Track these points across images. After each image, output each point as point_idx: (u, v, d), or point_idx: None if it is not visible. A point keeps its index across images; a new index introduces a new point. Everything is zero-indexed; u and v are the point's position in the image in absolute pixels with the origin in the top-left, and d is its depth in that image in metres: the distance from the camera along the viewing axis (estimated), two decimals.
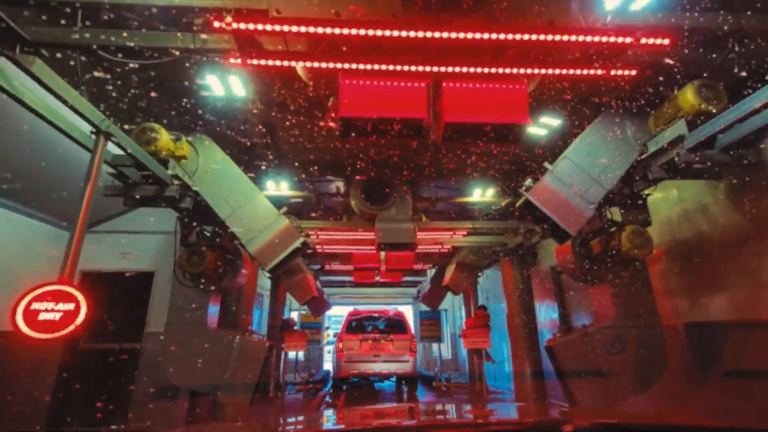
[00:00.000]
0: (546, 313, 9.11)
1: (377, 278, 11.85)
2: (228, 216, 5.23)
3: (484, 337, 8.70)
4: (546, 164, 4.47)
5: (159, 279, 7.43)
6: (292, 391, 10.95)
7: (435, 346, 18.00)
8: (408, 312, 20.38)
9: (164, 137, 4.79)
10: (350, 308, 19.02)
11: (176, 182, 4.77)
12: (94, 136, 3.45)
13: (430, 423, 1.91)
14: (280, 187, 7.89)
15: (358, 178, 6.87)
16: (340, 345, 10.21)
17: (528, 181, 4.69)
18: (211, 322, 6.11)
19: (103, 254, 7.66)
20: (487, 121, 2.94)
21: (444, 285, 9.16)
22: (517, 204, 4.72)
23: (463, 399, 10.44)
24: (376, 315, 11.22)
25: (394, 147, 7.08)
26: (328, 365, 19.65)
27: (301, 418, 3.66)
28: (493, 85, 2.93)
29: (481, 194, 8.44)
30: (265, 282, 12.48)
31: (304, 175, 7.99)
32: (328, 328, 19.51)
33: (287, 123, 6.10)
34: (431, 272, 14.78)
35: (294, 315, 16.77)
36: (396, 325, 10.65)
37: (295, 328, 10.14)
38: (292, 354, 14.48)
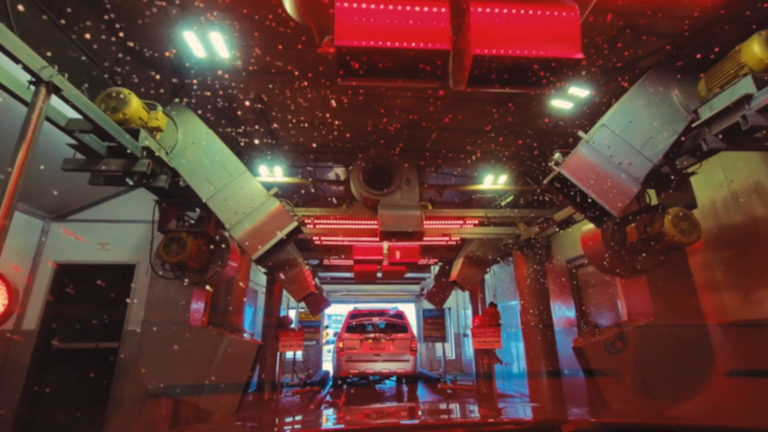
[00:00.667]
0: (560, 311, 8.45)
1: (379, 274, 11.19)
2: (210, 197, 4.56)
3: (495, 336, 8.04)
4: (580, 133, 3.80)
5: (140, 272, 6.77)
6: (289, 393, 10.29)
7: (439, 345, 17.37)
8: (410, 310, 19.72)
9: (135, 104, 4.12)
10: (350, 306, 18.44)
11: (147, 157, 4.10)
12: (33, 87, 2.79)
13: (430, 423, 1.86)
14: (274, 172, 7.23)
15: (359, 161, 6.20)
16: (341, 344, 10.18)
17: (557, 155, 4.02)
18: (194, 319, 5.46)
19: (80, 245, 7.01)
20: (527, 55, 2.23)
21: (451, 281, 8.51)
22: (545, 181, 4.05)
23: (471, 402, 9.91)
24: (377, 314, 11.05)
25: (400, 125, 6.43)
26: (327, 365, 19.02)
27: (299, 417, 3.57)
28: (534, 10, 2.22)
29: (493, 181, 7.77)
30: (260, 278, 11.84)
31: (300, 159, 7.34)
32: (327, 327, 18.87)
33: (279, 94, 5.45)
34: (435, 269, 14.14)
35: (291, 313, 16.13)
36: (396, 324, 10.56)
37: (292, 326, 9.48)
38: (290, 354, 13.87)
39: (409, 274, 13.68)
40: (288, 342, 8.93)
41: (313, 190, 7.39)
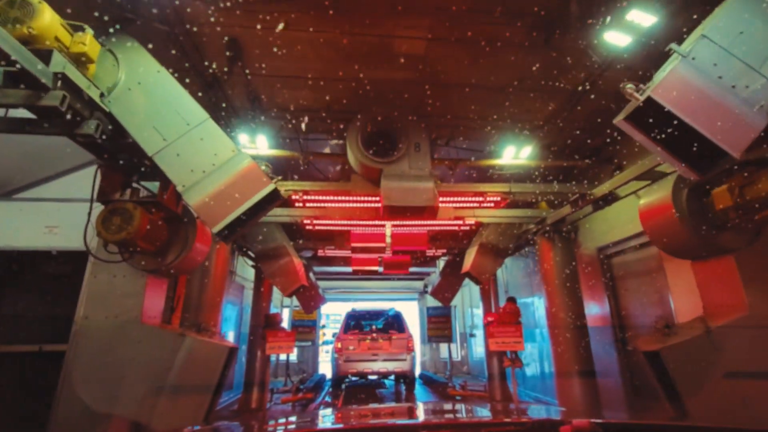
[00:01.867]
0: (589, 307, 7.31)
1: (380, 269, 10.03)
2: (158, 151, 3.41)
3: (517, 336, 6.91)
4: (673, 46, 2.67)
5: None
6: (279, 401, 9.14)
7: (444, 346, 16.24)
8: (413, 309, 18.59)
9: (49, 18, 2.98)
10: (348, 304, 17.28)
11: (64, 88, 2.95)
12: None
13: (428, 423, 1.86)
14: (256, 142, 6.08)
15: (358, 121, 5.06)
16: (339, 345, 10.05)
17: (629, 85, 2.89)
18: (149, 316, 4.32)
19: (23, 228, 5.87)
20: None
21: (464, 273, 7.38)
22: (620, 117, 2.92)
23: (473, 404, 8.81)
24: (374, 314, 11.13)
25: (406, 82, 5.30)
26: (326, 367, 17.86)
27: (296, 418, 3.36)
28: None
29: (515, 155, 6.64)
30: (248, 272, 10.69)
31: (289, 131, 6.19)
32: (324, 326, 17.72)
33: (259, 40, 4.32)
34: (440, 265, 13.04)
35: (285, 312, 14.97)
36: (394, 323, 10.65)
37: (282, 325, 8.34)
38: (283, 356, 12.72)
39: (412, 269, 12.56)
40: (276, 343, 7.78)
41: (304, 166, 6.24)
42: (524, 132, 6.35)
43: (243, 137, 6.09)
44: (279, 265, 7.26)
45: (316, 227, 6.95)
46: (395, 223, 6.73)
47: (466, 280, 11.43)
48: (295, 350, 16.07)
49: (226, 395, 9.78)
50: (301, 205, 5.92)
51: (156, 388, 3.99)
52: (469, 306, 15.67)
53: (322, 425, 1.98)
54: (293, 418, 2.94)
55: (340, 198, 5.58)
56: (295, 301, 11.33)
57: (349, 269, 11.66)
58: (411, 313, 19.59)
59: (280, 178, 3.79)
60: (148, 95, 3.54)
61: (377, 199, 5.56)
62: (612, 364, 6.75)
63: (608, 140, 6.75)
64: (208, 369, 4.18)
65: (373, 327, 10.55)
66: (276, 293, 14.18)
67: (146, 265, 4.30)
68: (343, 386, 10.59)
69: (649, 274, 6.10)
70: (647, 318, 6.21)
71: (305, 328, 13.18)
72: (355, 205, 5.88)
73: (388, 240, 7.24)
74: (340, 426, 2.02)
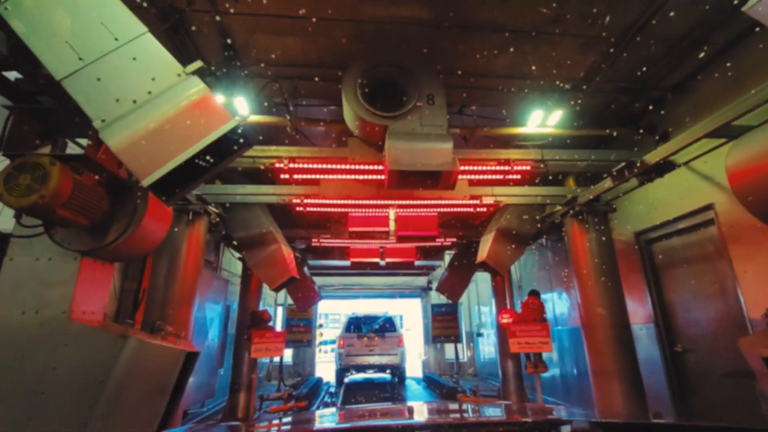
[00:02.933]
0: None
1: (382, 262, 9.00)
2: (70, 74, 2.38)
3: (543, 335, 5.89)
4: None
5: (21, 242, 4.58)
6: (267, 411, 8.12)
7: (449, 347, 15.24)
8: (416, 307, 17.57)
9: None
10: (346, 303, 16.32)
11: None
12: None
13: (426, 423, 1.85)
14: (234, 103, 5.07)
15: (356, 66, 4.04)
16: (342, 342, 11.84)
17: None
18: (84, 311, 3.29)
19: None
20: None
21: (479, 263, 6.36)
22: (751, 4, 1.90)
23: (468, 401, 7.84)
24: (371, 317, 12.56)
25: (415, 29, 4.29)
26: (325, 369, 16.83)
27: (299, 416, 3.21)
28: None
29: (542, 121, 5.63)
30: (234, 265, 9.67)
31: (273, 92, 5.18)
32: (321, 326, 16.70)
33: None
34: (446, 260, 12.03)
35: (275, 311, 13.95)
36: (387, 325, 12.19)
37: (270, 324, 7.32)
38: (276, 357, 11.69)
39: (416, 263, 11.55)
40: (264, 344, 6.75)
41: (293, 132, 5.20)
42: (555, 93, 5.35)
43: (217, 99, 5.06)
44: (265, 253, 6.23)
45: (308, 209, 5.92)
46: (400, 202, 5.71)
47: (475, 275, 10.44)
48: (290, 351, 15.08)
49: (210, 403, 8.76)
50: (287, 176, 4.89)
51: (88, 406, 2.97)
52: (476, 304, 14.66)
53: (323, 425, 1.95)
54: (295, 417, 2.90)
55: (335, 167, 4.55)
56: (291, 298, 10.30)
57: (347, 263, 10.67)
58: (413, 312, 18.55)
59: (248, 116, 2.77)
60: (63, 1, 2.52)
61: (380, 168, 4.54)
62: (655, 368, 5.75)
63: (651, 106, 5.77)
64: (157, 379, 3.16)
65: (370, 327, 12.03)
66: (268, 290, 13.17)
67: (79, 244, 3.28)
68: (343, 387, 11.34)
69: (707, 261, 5.09)
70: (702, 313, 5.21)
71: (300, 328, 12.17)
72: (353, 176, 4.87)
73: (392, 225, 6.21)
74: (341, 426, 1.98)
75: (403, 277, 14.05)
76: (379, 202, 5.67)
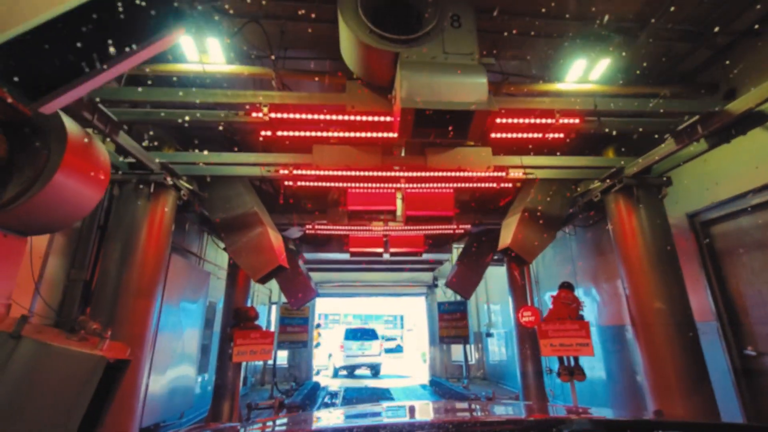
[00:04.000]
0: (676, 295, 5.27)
1: (386, 254, 7.99)
2: None
3: (582, 336, 4.89)
4: None
5: None
6: (254, 421, 7.08)
7: (457, 348, 14.23)
8: (419, 306, 16.54)
9: None
10: (346, 300, 15.56)
11: None
12: None
13: (425, 422, 1.83)
14: (207, 48, 4.09)
15: None
16: (342, 346, 15.57)
17: None
18: None
19: None
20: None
21: (502, 249, 5.37)
22: None
23: (464, 399, 6.85)
24: (362, 330, 16.77)
25: None
26: (322, 372, 15.80)
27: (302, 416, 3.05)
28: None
29: (582, 74, 4.64)
30: (220, 257, 8.67)
31: (253, 36, 4.19)
32: (319, 326, 15.68)
33: None
34: (455, 254, 11.03)
35: (274, 309, 12.93)
36: (372, 334, 16.28)
37: (257, 323, 6.32)
38: (270, 360, 10.69)
39: (420, 257, 10.55)
40: (247, 346, 5.75)
41: (277, 83, 4.21)
42: (598, 41, 4.34)
43: (186, 43, 4.07)
44: (248, 238, 5.23)
45: (299, 183, 4.92)
46: (409, 174, 4.70)
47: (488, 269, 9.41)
48: (285, 353, 14.08)
49: (190, 413, 7.74)
50: (268, 134, 3.87)
51: None
52: (485, 302, 13.65)
53: (323, 425, 1.98)
54: (295, 418, 2.69)
55: (331, 117, 3.54)
56: (283, 294, 9.29)
57: (346, 255, 9.66)
58: (415, 312, 17.51)
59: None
60: None
61: (387, 120, 3.53)
62: (719, 375, 4.75)
63: (714, 57, 4.77)
64: (64, 393, 2.16)
65: (362, 335, 15.97)
66: (261, 286, 12.09)
67: None
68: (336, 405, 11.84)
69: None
70: None
71: (295, 327, 11.16)
72: (353, 134, 3.87)
73: (400, 204, 5.21)
74: (340, 426, 1.98)
75: (407, 273, 13.04)
76: (384, 174, 4.67)
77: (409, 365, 20.04)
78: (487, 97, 2.80)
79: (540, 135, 4.02)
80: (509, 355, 11.63)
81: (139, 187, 4.33)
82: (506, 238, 5.51)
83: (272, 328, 11.95)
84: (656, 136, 4.58)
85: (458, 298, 12.16)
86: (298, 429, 1.95)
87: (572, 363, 5.20)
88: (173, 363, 5.79)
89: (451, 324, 11.51)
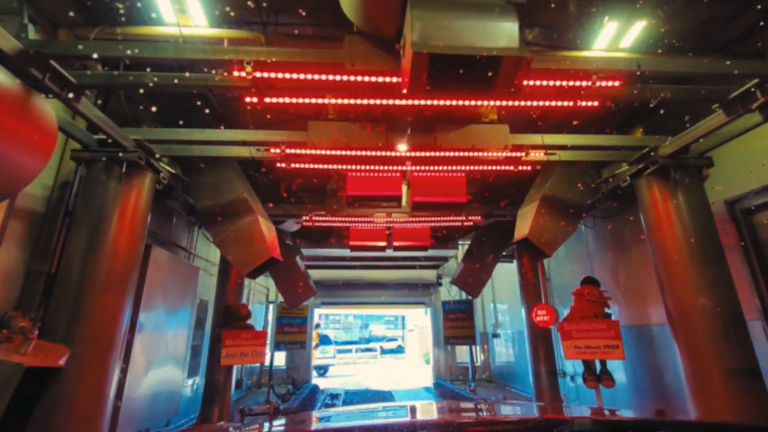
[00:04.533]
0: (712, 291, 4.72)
1: (389, 249, 7.46)
2: None
3: (611, 337, 4.35)
4: None
5: None
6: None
7: (462, 350, 13.70)
8: (420, 310, 16.01)
9: None
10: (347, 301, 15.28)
11: None
12: None
13: (427, 422, 1.84)
14: (187, 9, 3.58)
15: None
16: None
17: None
18: None
19: None
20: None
21: (518, 240, 4.83)
22: None
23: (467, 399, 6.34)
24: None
25: None
26: (323, 376, 15.25)
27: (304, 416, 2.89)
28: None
29: (613, 40, 4.11)
30: (212, 252, 8.14)
31: None
32: (318, 326, 15.15)
33: None
34: (461, 252, 10.52)
35: (271, 308, 12.39)
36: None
37: (249, 322, 5.79)
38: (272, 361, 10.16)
39: (425, 252, 10.03)
40: (237, 348, 5.23)
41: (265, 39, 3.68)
42: (631, 3, 3.80)
43: (163, 3, 3.56)
44: (237, 227, 4.70)
45: (293, 165, 4.38)
46: (416, 155, 4.16)
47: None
48: (283, 355, 13.56)
49: (177, 420, 7.21)
50: (253, 101, 3.34)
51: None
52: (491, 301, 13.10)
53: (324, 426, 1.93)
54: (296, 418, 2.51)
55: (329, 77, 2.99)
56: (279, 292, 8.75)
57: (346, 252, 9.13)
58: (417, 312, 16.95)
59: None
60: None
61: (394, 81, 3.00)
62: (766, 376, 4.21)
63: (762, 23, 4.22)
64: None
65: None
66: (259, 284, 11.54)
67: None
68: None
69: None
70: None
71: (294, 327, 10.62)
72: (353, 101, 3.33)
73: (405, 189, 4.67)
74: (342, 426, 1.91)
75: (410, 271, 12.50)
76: (387, 154, 4.13)
77: (410, 367, 19.50)
78: (519, 41, 2.27)
79: (571, 103, 3.47)
80: (518, 356, 11.08)
81: (110, 167, 3.80)
82: (523, 228, 4.97)
83: (269, 329, 11.42)
84: (687, 118, 4.05)
85: (464, 296, 11.63)
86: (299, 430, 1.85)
87: (599, 367, 4.65)
88: (156, 366, 5.26)
89: (457, 324, 10.96)
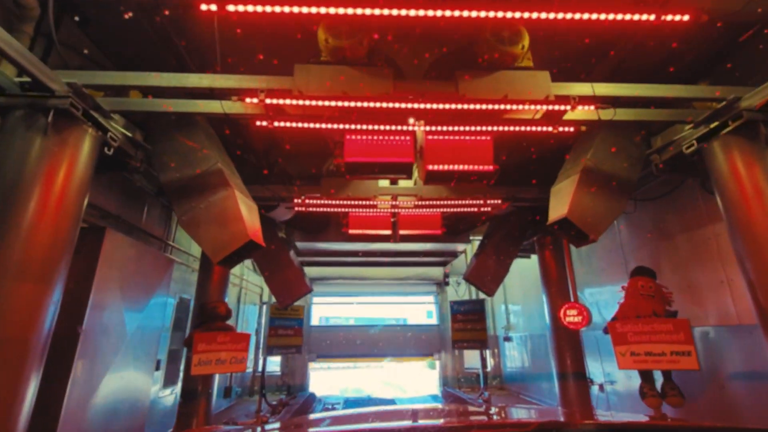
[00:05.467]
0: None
1: (393, 243, 6.55)
2: None
3: (679, 342, 3.43)
4: None
5: None
6: None
7: (470, 354, 12.77)
8: (424, 306, 15.06)
9: None
10: (346, 300, 14.37)
11: None
12: None
13: (430, 426, 1.84)
14: None
15: None
16: None
17: None
18: None
19: None
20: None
21: (557, 221, 3.91)
22: None
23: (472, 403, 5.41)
24: None
25: None
26: (321, 379, 14.28)
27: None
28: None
29: None
30: (195, 245, 7.24)
31: None
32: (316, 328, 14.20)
33: None
34: (472, 248, 9.61)
35: (264, 309, 11.46)
36: None
37: (229, 323, 4.87)
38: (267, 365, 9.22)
39: (430, 246, 9.12)
40: (211, 354, 4.31)
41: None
42: None
43: None
44: (208, 204, 3.79)
45: (276, 124, 3.48)
46: (429, 106, 3.25)
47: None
48: (278, 360, 12.62)
49: None
50: (213, 8, 2.44)
51: None
52: (502, 302, 12.17)
53: (324, 428, 1.93)
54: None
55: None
56: (268, 287, 7.83)
57: (345, 246, 8.22)
58: (418, 313, 16.01)
59: None
60: None
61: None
62: None
63: None
64: None
65: None
66: (251, 282, 10.54)
67: None
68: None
69: None
70: None
71: (288, 330, 9.67)
72: (350, 11, 2.43)
73: (418, 154, 3.76)
74: (342, 428, 1.95)
75: (414, 269, 11.57)
76: (396, 105, 3.23)
77: (413, 372, 18.53)
78: None
79: (653, 16, 2.55)
80: (533, 361, 10.14)
81: (33, 117, 2.90)
82: (560, 207, 4.06)
83: (261, 332, 10.48)
84: None
85: (474, 296, 10.70)
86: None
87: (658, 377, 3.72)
88: (113, 372, 4.34)
89: (467, 326, 10.01)
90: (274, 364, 12.26)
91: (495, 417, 2.02)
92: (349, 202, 5.45)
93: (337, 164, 4.91)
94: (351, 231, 5.91)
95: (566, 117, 3.63)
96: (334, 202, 5.45)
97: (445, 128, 3.57)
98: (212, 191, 3.82)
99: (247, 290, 11.08)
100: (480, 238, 7.99)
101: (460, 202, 5.51)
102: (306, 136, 4.34)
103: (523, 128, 3.61)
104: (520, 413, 2.36)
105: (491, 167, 3.64)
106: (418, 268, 11.54)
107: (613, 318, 3.98)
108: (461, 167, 3.61)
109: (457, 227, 7.60)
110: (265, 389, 10.24)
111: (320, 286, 13.49)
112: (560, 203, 4.11)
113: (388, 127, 3.53)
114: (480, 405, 7.48)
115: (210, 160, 3.93)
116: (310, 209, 5.59)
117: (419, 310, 15.92)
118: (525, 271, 9.61)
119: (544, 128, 3.64)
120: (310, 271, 12.20)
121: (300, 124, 3.51)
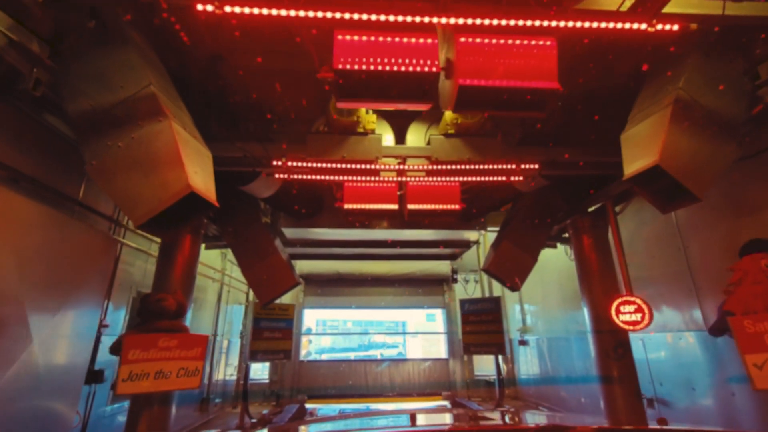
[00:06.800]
0: None
1: (401, 230, 5.29)
2: None
3: None
4: None
5: None
6: None
7: (480, 359, 11.55)
8: (423, 312, 13.80)
9: None
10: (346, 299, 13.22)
11: None
12: None
13: (431, 430, 1.82)
14: None
15: None
16: None
17: None
18: None
19: None
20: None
21: (645, 170, 2.69)
22: None
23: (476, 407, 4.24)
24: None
25: None
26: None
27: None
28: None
29: None
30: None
31: None
32: (310, 330, 12.94)
33: None
34: (487, 240, 8.46)
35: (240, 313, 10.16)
36: None
37: (180, 320, 3.62)
38: (257, 366, 7.94)
39: (438, 235, 7.95)
40: (148, 364, 3.04)
41: None
42: None
43: None
44: (130, 141, 2.55)
45: (226, 10, 2.26)
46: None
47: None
48: (267, 366, 11.33)
49: None
50: None
51: None
52: (516, 301, 10.92)
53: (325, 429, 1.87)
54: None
55: None
56: (245, 279, 6.56)
57: (340, 233, 7.00)
58: (420, 315, 14.70)
59: None
60: None
61: None
62: None
63: None
64: None
65: None
66: (236, 276, 9.11)
67: None
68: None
69: None
70: None
71: (275, 333, 8.42)
72: None
73: (446, 56, 2.54)
74: (342, 428, 1.91)
75: (421, 262, 10.32)
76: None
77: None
78: None
79: None
80: (554, 368, 8.90)
81: None
82: (644, 153, 2.84)
83: (245, 335, 9.19)
84: None
85: (487, 293, 9.46)
86: None
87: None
88: (15, 392, 3.08)
89: (479, 328, 8.75)
90: (261, 372, 10.98)
91: (491, 422, 1.86)
92: (343, 166, 4.21)
93: (328, 124, 3.66)
94: (347, 206, 4.67)
95: (666, 10, 2.42)
96: (324, 165, 4.21)
97: (485, 22, 2.33)
98: (139, 124, 2.58)
99: (231, 287, 9.81)
100: (497, 229, 6.78)
101: (485, 167, 4.29)
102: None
103: (605, 24, 2.39)
104: (521, 419, 2.18)
105: (556, 84, 2.41)
106: (424, 263, 10.29)
107: (724, 312, 2.76)
108: (509, 83, 2.37)
109: (469, 210, 6.37)
110: (252, 398, 8.97)
111: (312, 296, 12.27)
112: (643, 149, 2.89)
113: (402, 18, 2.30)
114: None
115: (140, 82, 2.69)
116: (294, 176, 4.35)
117: (419, 313, 14.64)
118: (545, 263, 8.33)
119: (636, 25, 2.42)
120: (301, 267, 10.95)
121: (265, 10, 2.28)
